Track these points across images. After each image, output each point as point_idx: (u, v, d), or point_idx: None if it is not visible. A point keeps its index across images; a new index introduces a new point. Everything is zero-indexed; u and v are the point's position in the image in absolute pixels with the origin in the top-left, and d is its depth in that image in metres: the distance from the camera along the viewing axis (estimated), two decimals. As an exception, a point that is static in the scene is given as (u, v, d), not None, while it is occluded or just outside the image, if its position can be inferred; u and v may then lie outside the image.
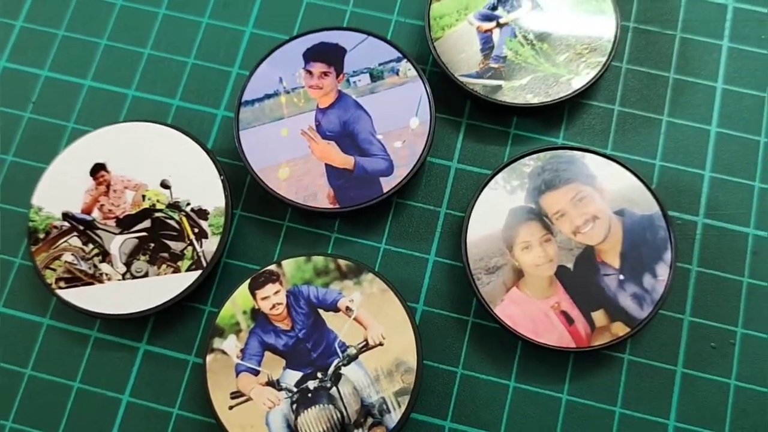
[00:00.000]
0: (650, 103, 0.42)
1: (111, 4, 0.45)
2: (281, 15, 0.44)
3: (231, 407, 0.36)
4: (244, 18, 0.44)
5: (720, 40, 0.43)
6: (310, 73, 0.41)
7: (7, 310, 0.40)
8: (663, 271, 0.37)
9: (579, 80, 0.40)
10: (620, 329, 0.37)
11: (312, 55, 0.41)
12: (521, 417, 0.37)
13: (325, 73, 0.41)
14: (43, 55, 0.44)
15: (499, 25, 0.41)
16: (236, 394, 0.36)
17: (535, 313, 0.37)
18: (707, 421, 0.37)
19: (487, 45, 0.41)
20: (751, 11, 0.44)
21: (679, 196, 0.41)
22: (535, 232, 0.38)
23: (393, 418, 0.36)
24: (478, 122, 0.42)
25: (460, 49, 0.41)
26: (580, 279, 0.37)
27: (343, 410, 0.36)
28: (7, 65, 0.44)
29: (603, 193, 0.38)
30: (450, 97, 0.42)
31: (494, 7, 0.42)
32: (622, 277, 0.37)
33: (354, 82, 0.41)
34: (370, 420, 0.36)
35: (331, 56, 0.41)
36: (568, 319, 0.37)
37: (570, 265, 0.37)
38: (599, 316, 0.37)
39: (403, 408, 0.36)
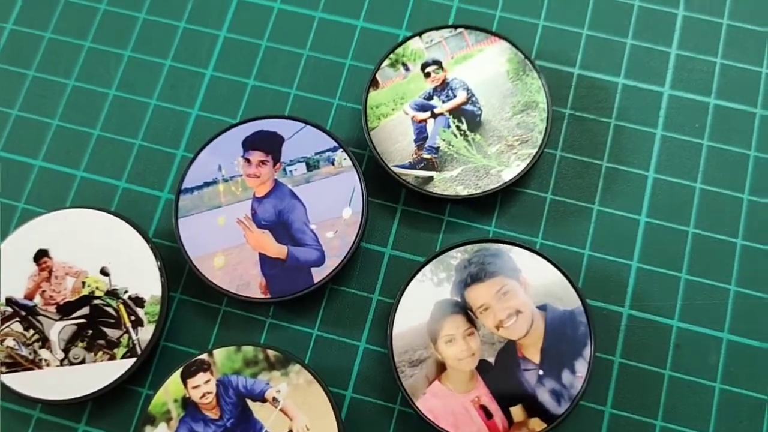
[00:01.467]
0: (582, 192, 0.43)
1: (63, 84, 0.46)
2: (226, 98, 0.45)
3: (161, 494, 0.38)
4: (191, 100, 0.45)
5: (654, 129, 0.44)
6: (248, 161, 0.42)
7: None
8: (582, 367, 0.38)
9: (509, 172, 0.41)
10: (537, 425, 0.38)
11: (251, 143, 0.42)
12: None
13: (263, 162, 0.42)
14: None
15: (433, 116, 0.42)
16: (166, 482, 0.38)
17: (455, 407, 0.38)
18: None
19: (421, 135, 0.42)
20: (685, 99, 0.44)
21: (605, 286, 0.41)
22: (459, 326, 0.39)
23: (314, 508, 0.37)
24: (413, 209, 0.43)
25: (395, 139, 0.42)
26: (501, 373, 0.38)
27: (268, 499, 0.37)
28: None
29: (527, 288, 0.39)
30: (386, 183, 0.43)
31: (430, 97, 0.43)
32: (541, 372, 0.38)
33: (290, 171, 0.42)
34: None
35: (269, 145, 0.42)
36: (487, 414, 0.38)
37: (491, 360, 0.39)
38: (517, 412, 0.38)
39: (324, 499, 0.37)
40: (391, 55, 0.43)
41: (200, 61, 0.46)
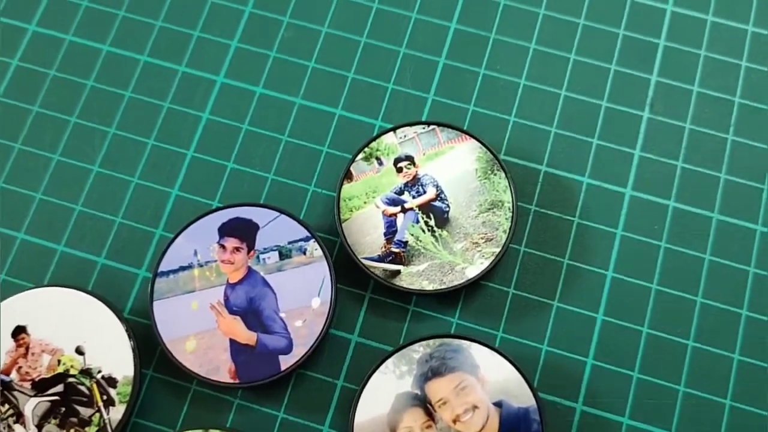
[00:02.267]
0: (543, 288, 0.45)
1: (48, 158, 0.48)
2: (206, 179, 0.47)
3: None
4: (171, 180, 0.47)
5: (614, 228, 0.46)
6: (223, 247, 0.44)
7: (-73, 458, 0.43)
8: (533, 464, 0.40)
9: (473, 270, 0.43)
10: None
11: (226, 229, 0.44)
12: None
13: (238, 249, 0.44)
14: (-18, 203, 0.47)
15: (403, 210, 0.44)
16: None
17: (410, 498, 0.40)
18: None
19: (390, 229, 0.44)
20: (646, 200, 0.46)
21: (561, 381, 0.43)
22: (418, 419, 0.41)
23: None
24: (381, 297, 0.45)
25: (366, 231, 0.44)
26: (456, 467, 0.40)
27: None
28: (-52, 213, 0.47)
29: (484, 384, 0.41)
30: (356, 272, 0.44)
31: (401, 191, 0.45)
32: (493, 467, 0.40)
33: (263, 259, 0.44)
34: None
35: (244, 232, 0.44)
36: (441, 506, 0.40)
37: (447, 453, 0.40)
38: (470, 505, 0.40)
39: None
40: (366, 149, 0.45)
41: (182, 141, 0.48)
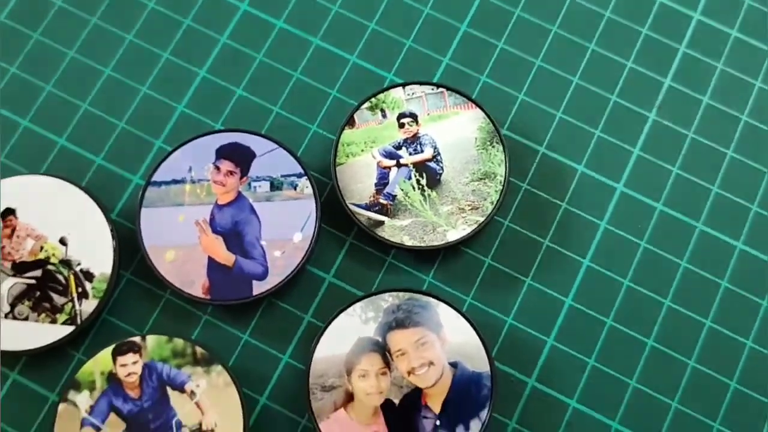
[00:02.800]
0: (519, 263, 0.46)
1: (63, 53, 0.48)
2: (212, 100, 0.48)
3: (69, 455, 0.41)
4: (179, 96, 0.48)
5: (599, 220, 0.47)
6: (218, 168, 0.45)
7: None
8: (476, 427, 0.41)
9: (454, 234, 0.44)
10: (423, 470, 0.41)
11: (224, 152, 0.45)
12: None
13: (231, 172, 0.45)
14: (-6, 85, 0.48)
15: (398, 165, 0.45)
16: (76, 445, 0.41)
17: (353, 436, 0.41)
18: None
19: (382, 180, 0.45)
20: (635, 199, 0.47)
21: (519, 355, 0.45)
22: (375, 364, 0.42)
23: (204, 500, 0.40)
24: (361, 244, 0.46)
25: (358, 178, 0.45)
26: (402, 415, 0.42)
27: (164, 482, 0.41)
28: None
29: (444, 343, 0.42)
30: (341, 216, 0.45)
31: (399, 147, 0.45)
32: (438, 422, 0.41)
33: (255, 186, 0.45)
34: (184, 497, 0.40)
35: (240, 158, 0.45)
36: (381, 450, 0.41)
37: (396, 401, 0.42)
38: (408, 454, 0.41)
39: (215, 494, 0.40)
40: (373, 99, 0.46)
41: (196, 60, 0.48)
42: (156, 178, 0.44)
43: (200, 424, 0.41)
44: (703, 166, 0.48)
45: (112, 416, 0.41)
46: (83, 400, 0.42)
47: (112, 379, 0.42)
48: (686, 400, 0.44)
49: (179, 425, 0.41)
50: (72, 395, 0.41)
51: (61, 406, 0.41)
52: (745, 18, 0.50)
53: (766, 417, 0.44)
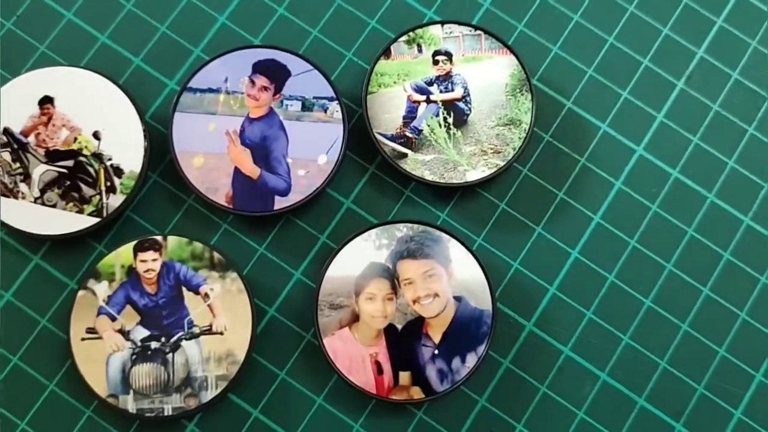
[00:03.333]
0: (532, 211, 0.47)
1: (114, -49, 0.49)
2: (254, 16, 0.49)
3: (83, 339, 0.43)
4: (222, 7, 0.49)
5: (615, 179, 0.48)
6: (253, 83, 0.46)
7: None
8: (472, 360, 0.43)
9: (473, 174, 0.45)
10: (416, 393, 0.43)
11: (260, 68, 0.46)
12: (315, 429, 0.44)
13: (266, 88, 0.46)
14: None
15: (428, 101, 0.46)
16: (91, 330, 0.43)
17: (354, 354, 0.43)
18: (460, 488, 0.44)
19: (410, 114, 0.46)
20: (652, 163, 0.48)
21: (521, 298, 0.46)
22: (382, 289, 0.44)
23: (207, 395, 0.42)
24: (382, 174, 0.47)
25: (387, 109, 0.46)
26: (403, 341, 0.43)
27: (171, 374, 0.43)
28: (7, -27, 0.49)
29: (451, 278, 0.44)
30: (366, 144, 0.47)
31: (430, 83, 0.46)
32: (436, 352, 0.43)
33: (286, 105, 0.46)
34: (188, 390, 0.43)
35: (276, 75, 0.46)
36: (379, 370, 0.43)
37: (399, 326, 0.44)
38: (405, 377, 0.43)
39: (218, 391, 0.42)
40: (411, 33, 0.47)
41: (243, -27, 0.49)
42: (192, 84, 0.45)
43: (210, 326, 0.43)
44: (722, 140, 0.49)
45: (128, 308, 0.43)
46: (102, 289, 0.43)
47: (131, 273, 0.44)
48: (675, 362, 0.46)
49: (190, 324, 0.43)
50: (91, 284, 0.43)
51: (80, 293, 0.43)
52: (786, -1, 0.51)
53: (748, 386, 0.46)
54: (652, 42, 0.50)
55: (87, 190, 0.44)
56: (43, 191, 0.44)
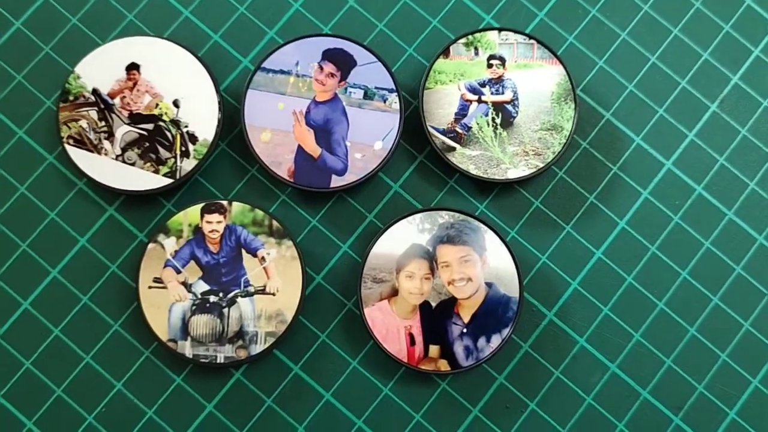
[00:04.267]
0: (564, 211, 0.51)
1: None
2: (326, 5, 0.53)
3: (150, 287, 0.48)
4: (298, -5, 0.53)
5: (643, 189, 0.52)
6: (321, 68, 0.50)
7: (27, 138, 0.50)
8: (496, 341, 0.48)
9: (514, 172, 0.49)
10: (443, 366, 0.48)
11: (329, 55, 0.50)
12: (347, 389, 0.49)
13: (332, 74, 0.50)
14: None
15: (479, 101, 0.50)
16: (158, 280, 0.48)
17: (390, 325, 0.48)
18: (473, 454, 0.49)
19: (462, 111, 0.50)
20: (679, 178, 0.52)
21: (545, 289, 0.51)
22: (422, 269, 0.48)
23: (256, 349, 0.47)
24: (430, 164, 0.52)
25: (440, 105, 0.50)
26: (436, 317, 0.48)
27: (225, 327, 0.47)
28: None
29: (484, 265, 0.48)
30: (419, 135, 0.51)
31: (483, 84, 0.50)
32: (465, 330, 0.48)
33: (350, 92, 0.50)
34: (240, 342, 0.47)
35: (343, 63, 0.50)
36: (412, 341, 0.48)
37: (433, 304, 0.48)
38: (434, 350, 0.48)
39: (266, 346, 0.47)
40: (470, 36, 0.51)
41: (319, -35, 0.53)
42: (266, 64, 0.50)
43: (264, 287, 0.48)
44: (746, 163, 0.53)
45: (192, 263, 0.48)
46: (170, 244, 0.48)
47: (197, 232, 0.48)
48: (679, 361, 0.50)
49: (246, 283, 0.48)
50: (161, 238, 0.48)
51: (150, 246, 0.48)
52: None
53: (744, 390, 0.50)
54: (691, 65, 0.53)
55: (163, 153, 0.49)
56: (124, 150, 0.49)
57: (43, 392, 0.48)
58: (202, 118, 0.49)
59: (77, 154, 0.48)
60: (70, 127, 0.49)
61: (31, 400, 0.48)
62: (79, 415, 0.48)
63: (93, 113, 0.49)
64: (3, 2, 0.52)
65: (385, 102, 0.50)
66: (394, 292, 0.48)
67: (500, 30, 0.51)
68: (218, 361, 0.47)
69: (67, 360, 0.49)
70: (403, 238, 0.49)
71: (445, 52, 0.51)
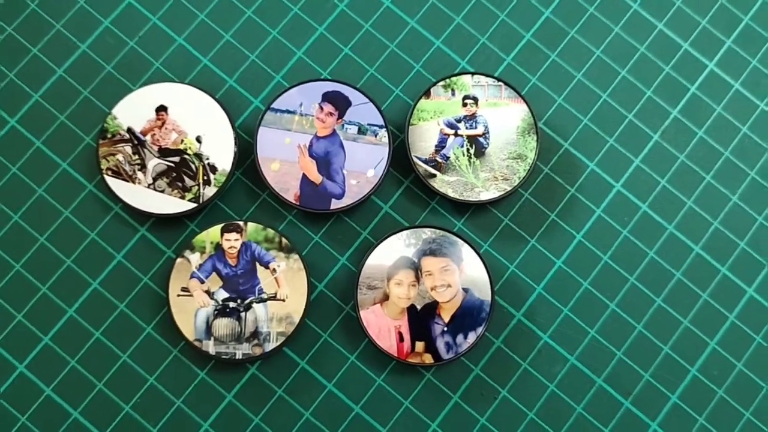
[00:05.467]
0: (529, 227, 0.60)
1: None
2: (325, 53, 0.62)
3: (178, 295, 0.56)
4: (300, 43, 0.61)
5: (596, 207, 0.61)
6: (321, 108, 0.59)
7: (70, 170, 0.59)
8: (472, 338, 0.57)
9: (485, 195, 0.58)
10: (428, 359, 0.56)
11: (328, 97, 0.59)
12: (347, 380, 0.58)
13: (331, 113, 0.59)
14: (158, 5, 0.61)
15: (455, 134, 0.59)
16: (185, 289, 0.56)
17: (382, 325, 0.57)
18: (454, 434, 0.58)
19: (441, 144, 0.59)
20: (627, 198, 0.61)
21: (513, 294, 0.60)
22: (408, 277, 0.57)
23: (269, 346, 0.56)
24: (415, 188, 0.60)
25: (423, 138, 0.59)
26: (420, 318, 0.57)
27: (243, 328, 0.56)
28: (133, 2, 0.61)
29: (461, 273, 0.57)
30: (405, 164, 0.60)
31: (459, 120, 0.59)
32: (445, 329, 0.57)
33: (346, 128, 0.59)
34: (255, 341, 0.56)
35: (340, 103, 0.59)
36: (401, 338, 0.57)
37: (418, 307, 0.57)
38: (420, 345, 0.56)
39: (277, 344, 0.56)
40: (447, 80, 0.60)
41: (319, 18, 0.62)
42: (274, 105, 0.58)
43: (275, 294, 0.56)
44: (684, 183, 0.62)
45: (214, 275, 0.57)
46: (195, 258, 0.57)
47: (218, 248, 0.57)
48: (628, 353, 0.59)
49: (260, 291, 0.56)
50: (187, 253, 0.57)
51: (178, 260, 0.57)
52: (749, 75, 0.63)
53: (684, 377, 0.59)
54: (636, 101, 0.62)
55: (188, 181, 0.58)
56: (154, 179, 0.57)
57: (86, 386, 0.57)
58: (220, 152, 0.58)
59: (115, 183, 0.57)
60: (108, 161, 0.57)
61: (76, 393, 0.57)
62: (118, 405, 0.57)
63: (128, 148, 0.57)
64: (46, 52, 0.61)
65: (376, 136, 0.59)
66: (386, 297, 0.57)
67: (473, 74, 0.60)
68: (237, 358, 0.56)
69: (106, 358, 0.57)
70: (392, 251, 0.57)
71: (427, 93, 0.60)
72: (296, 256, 0.57)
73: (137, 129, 0.58)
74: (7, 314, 0.57)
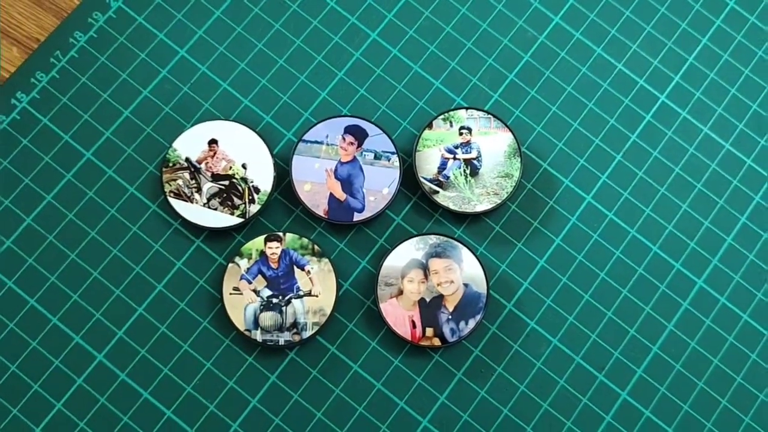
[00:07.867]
0: (516, 233, 0.73)
1: (253, 44, 0.75)
2: (344, 93, 0.74)
3: (231, 293, 0.68)
4: (323, 86, 0.74)
5: (571, 216, 0.74)
6: (344, 139, 0.71)
7: (137, 193, 0.71)
8: (472, 324, 0.69)
9: (480, 207, 0.71)
10: (436, 342, 0.69)
11: (349, 129, 0.72)
12: (369, 362, 0.70)
13: (352, 143, 0.71)
14: (206, 56, 0.74)
15: (454, 158, 0.72)
16: (236, 289, 0.68)
17: (398, 315, 0.69)
18: (453, 417, 0.70)
19: (442, 166, 0.72)
20: (597, 208, 0.74)
21: (505, 287, 0.72)
22: (419, 275, 0.69)
23: (306, 335, 0.68)
24: (422, 203, 0.73)
25: (428, 161, 0.72)
26: (429, 309, 0.69)
27: (284, 319, 0.68)
28: (186, 55, 0.74)
29: (462, 272, 0.70)
30: (413, 183, 0.72)
31: (457, 147, 0.72)
32: (450, 317, 0.69)
33: (364, 154, 0.71)
34: (294, 330, 0.68)
35: (359, 135, 0.72)
36: (413, 326, 0.69)
37: (427, 300, 0.69)
38: (429, 331, 0.69)
39: (312, 332, 0.68)
40: (446, 114, 0.73)
41: (338, 65, 0.75)
42: (305, 137, 0.71)
43: (310, 291, 0.69)
44: (643, 195, 0.75)
45: (259, 276, 0.69)
46: (243, 263, 0.69)
47: (262, 254, 0.69)
48: (602, 335, 0.71)
49: (298, 289, 0.69)
50: (237, 259, 0.69)
51: (230, 265, 0.69)
52: (695, 105, 0.77)
53: (648, 353, 0.72)
54: (601, 128, 0.76)
55: (236, 201, 0.70)
56: (209, 199, 0.70)
57: (154, 371, 0.69)
58: (262, 176, 0.70)
59: (176, 203, 0.69)
60: (170, 185, 0.70)
61: (146, 377, 0.69)
62: (181, 386, 0.69)
63: (186, 174, 0.70)
64: (115, 97, 0.73)
65: (389, 161, 0.71)
66: (400, 292, 0.69)
67: (467, 108, 0.73)
68: (279, 344, 0.68)
69: (170, 347, 0.69)
70: (404, 254, 0.70)
71: (429, 125, 0.72)
72: (326, 260, 0.69)
73: (193, 158, 0.70)
74: (88, 313, 0.69)
